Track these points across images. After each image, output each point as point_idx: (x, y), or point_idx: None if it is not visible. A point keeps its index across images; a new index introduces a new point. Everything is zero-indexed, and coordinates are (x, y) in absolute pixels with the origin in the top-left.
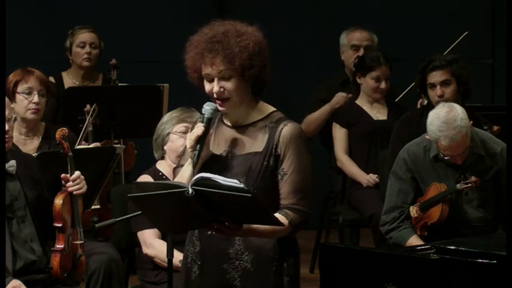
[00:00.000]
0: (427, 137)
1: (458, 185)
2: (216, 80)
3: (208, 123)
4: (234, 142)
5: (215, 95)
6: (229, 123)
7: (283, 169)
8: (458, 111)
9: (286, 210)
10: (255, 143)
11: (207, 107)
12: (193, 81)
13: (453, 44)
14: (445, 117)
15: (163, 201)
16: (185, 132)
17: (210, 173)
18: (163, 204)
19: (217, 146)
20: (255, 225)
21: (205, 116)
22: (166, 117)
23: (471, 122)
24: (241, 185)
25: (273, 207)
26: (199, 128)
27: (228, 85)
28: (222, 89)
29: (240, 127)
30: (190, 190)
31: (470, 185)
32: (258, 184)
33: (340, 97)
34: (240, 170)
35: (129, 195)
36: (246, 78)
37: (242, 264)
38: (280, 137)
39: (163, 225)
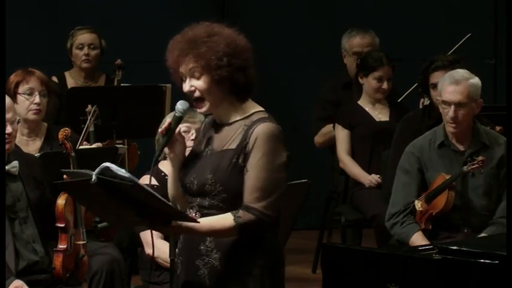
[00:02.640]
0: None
1: (465, 167)
2: (188, 79)
3: (177, 122)
4: (215, 139)
5: (189, 94)
6: (216, 121)
7: (247, 165)
8: (473, 76)
9: (239, 209)
10: (231, 141)
11: (179, 106)
12: (176, 82)
13: (456, 45)
14: (458, 70)
15: (84, 190)
16: (186, 132)
17: (185, 169)
18: (88, 194)
19: (203, 144)
20: (189, 224)
21: (176, 114)
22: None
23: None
24: (127, 175)
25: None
26: (165, 123)
27: (198, 84)
28: (192, 88)
29: (223, 125)
30: (94, 177)
31: (477, 165)
32: (227, 182)
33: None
34: (209, 167)
35: (55, 181)
36: (216, 79)
37: (211, 262)
38: (251, 135)
39: (103, 217)
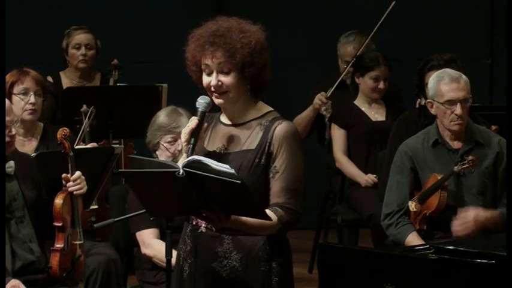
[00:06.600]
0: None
1: (456, 167)
2: (214, 73)
3: (202, 117)
4: (228, 139)
5: (212, 88)
6: (225, 121)
7: (275, 167)
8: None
9: (276, 208)
10: (249, 141)
11: (201, 101)
12: (191, 74)
13: (383, 15)
14: (445, 70)
15: (154, 180)
16: (171, 143)
17: None
18: (153, 184)
19: (212, 143)
20: (243, 218)
21: (199, 109)
22: (155, 124)
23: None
24: (232, 171)
25: (264, 206)
26: (193, 121)
27: (227, 79)
28: (219, 83)
29: (236, 125)
30: (181, 171)
31: (467, 165)
32: (250, 181)
33: (319, 97)
34: (232, 167)
35: (119, 170)
36: (245, 75)
37: (230, 263)
38: (274, 135)
39: (153, 207)
